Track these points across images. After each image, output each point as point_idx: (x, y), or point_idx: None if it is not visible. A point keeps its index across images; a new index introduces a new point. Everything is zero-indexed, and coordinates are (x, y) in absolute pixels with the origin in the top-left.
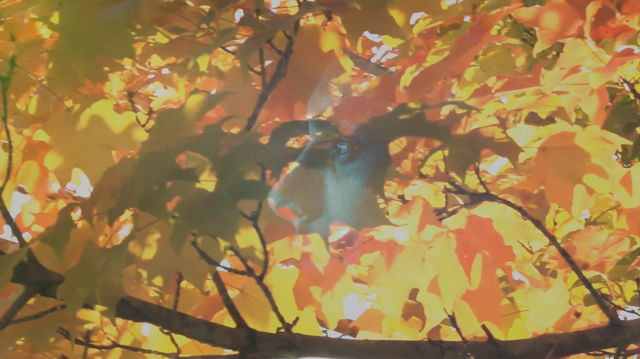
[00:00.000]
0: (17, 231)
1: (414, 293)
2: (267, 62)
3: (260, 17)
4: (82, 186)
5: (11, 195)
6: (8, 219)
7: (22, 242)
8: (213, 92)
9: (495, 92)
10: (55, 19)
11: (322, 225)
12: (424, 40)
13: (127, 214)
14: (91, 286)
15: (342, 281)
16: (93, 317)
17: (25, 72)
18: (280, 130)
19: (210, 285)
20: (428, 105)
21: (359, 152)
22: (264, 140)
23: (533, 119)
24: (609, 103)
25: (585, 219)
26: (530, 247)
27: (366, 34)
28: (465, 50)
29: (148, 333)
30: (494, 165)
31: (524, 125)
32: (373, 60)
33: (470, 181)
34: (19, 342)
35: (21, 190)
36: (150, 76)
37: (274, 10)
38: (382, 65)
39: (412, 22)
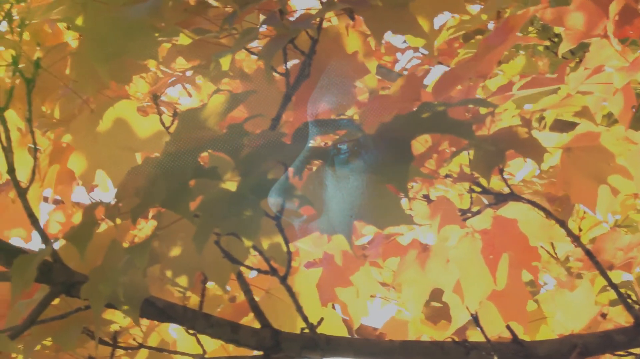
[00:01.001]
0: (42, 232)
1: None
2: (291, 63)
3: (283, 17)
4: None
5: (39, 198)
6: (34, 221)
7: (46, 242)
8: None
9: (519, 89)
10: (79, 20)
11: (345, 224)
12: (448, 45)
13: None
14: (114, 285)
15: (362, 274)
16: (120, 318)
17: (50, 75)
18: (303, 129)
19: (235, 291)
20: (451, 104)
21: (381, 149)
22: (287, 139)
23: (557, 126)
24: (635, 103)
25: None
26: (555, 254)
27: (390, 39)
28: (490, 50)
29: (177, 335)
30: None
31: (548, 132)
32: (398, 66)
33: (495, 183)
34: (46, 342)
35: (46, 199)
36: (174, 78)
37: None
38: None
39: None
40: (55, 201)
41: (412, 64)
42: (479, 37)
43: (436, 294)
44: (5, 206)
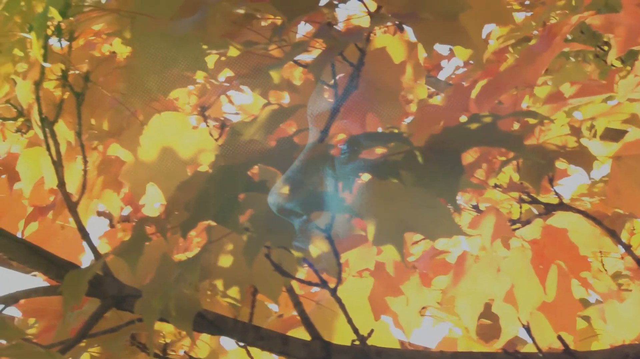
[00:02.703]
0: (92, 246)
1: (492, 317)
2: (339, 75)
3: (332, 29)
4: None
5: (88, 210)
6: (84, 234)
7: (97, 256)
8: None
9: (569, 98)
10: (128, 33)
11: (396, 235)
12: (496, 56)
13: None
14: (166, 300)
15: (412, 283)
16: (170, 329)
17: (99, 88)
18: (352, 142)
19: (285, 303)
20: (500, 115)
21: (431, 162)
22: (336, 152)
23: (608, 135)
24: None
25: None
26: (604, 265)
27: (435, 47)
28: (535, 57)
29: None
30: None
31: (598, 141)
32: (442, 74)
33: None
34: (93, 353)
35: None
36: (222, 90)
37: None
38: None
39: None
40: (103, 214)
41: (458, 72)
42: (524, 44)
43: (486, 311)
44: (54, 232)
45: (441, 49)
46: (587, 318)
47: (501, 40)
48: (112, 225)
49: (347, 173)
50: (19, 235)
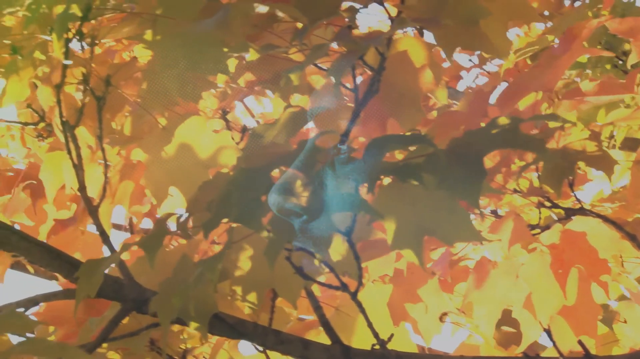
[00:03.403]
0: (111, 248)
1: (513, 323)
2: (359, 78)
3: (353, 33)
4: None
5: (110, 214)
6: (104, 237)
7: (113, 252)
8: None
9: (588, 95)
10: (148, 36)
11: (415, 240)
12: (515, 67)
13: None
14: (184, 298)
15: (430, 288)
16: (190, 335)
17: (120, 92)
18: (374, 144)
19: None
20: (521, 119)
21: (453, 165)
22: (357, 155)
23: (626, 145)
24: None
25: None
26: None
27: (456, 57)
28: (554, 61)
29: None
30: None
31: (618, 151)
32: (461, 84)
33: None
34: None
35: (117, 226)
36: (243, 93)
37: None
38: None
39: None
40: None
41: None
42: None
43: (507, 318)
44: (75, 237)
45: (461, 59)
46: (608, 322)
47: (519, 54)
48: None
49: (368, 176)
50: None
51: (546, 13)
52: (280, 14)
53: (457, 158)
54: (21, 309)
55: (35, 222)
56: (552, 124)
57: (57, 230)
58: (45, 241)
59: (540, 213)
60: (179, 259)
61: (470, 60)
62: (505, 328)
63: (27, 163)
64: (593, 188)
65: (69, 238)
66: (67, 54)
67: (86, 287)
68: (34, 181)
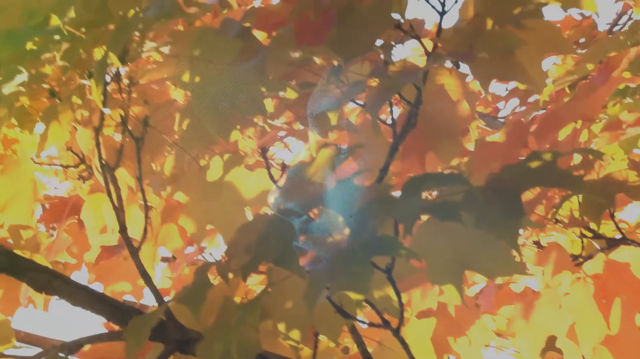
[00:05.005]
0: (155, 292)
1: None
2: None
3: (388, 69)
4: (217, 247)
5: (154, 257)
6: (147, 279)
7: (159, 301)
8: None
9: (627, 126)
10: (186, 77)
11: (456, 275)
12: (554, 96)
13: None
14: (228, 342)
15: (477, 326)
16: None
17: (158, 132)
18: (412, 183)
19: (348, 341)
20: (560, 153)
21: (491, 203)
22: (395, 190)
23: None
24: None
25: None
26: None
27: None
28: (593, 91)
29: None
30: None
31: None
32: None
33: (605, 228)
34: None
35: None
36: (282, 132)
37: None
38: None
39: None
40: (166, 259)
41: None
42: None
43: (552, 346)
44: (117, 264)
45: (497, 89)
46: None
47: (558, 84)
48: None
49: (407, 215)
50: (84, 270)
51: (582, 40)
52: (315, 58)
53: (494, 195)
54: (65, 352)
55: (80, 250)
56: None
57: (104, 256)
58: (91, 268)
59: (582, 243)
60: (221, 301)
61: (506, 89)
62: (551, 353)
63: (72, 194)
64: (635, 209)
65: (111, 264)
66: (106, 100)
67: (135, 344)
68: (75, 219)
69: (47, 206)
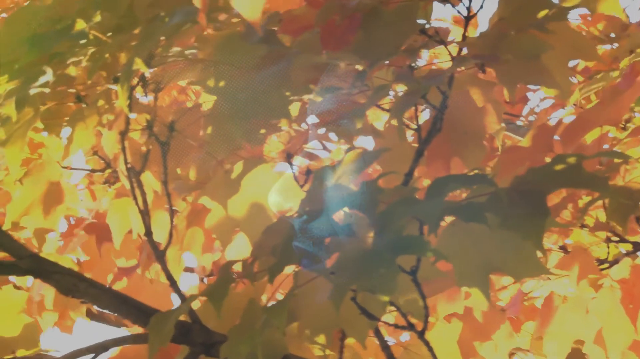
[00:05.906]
0: (179, 293)
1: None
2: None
3: (413, 73)
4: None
5: (179, 261)
6: (172, 283)
7: (183, 300)
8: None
9: None
10: (211, 82)
11: (482, 277)
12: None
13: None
14: (253, 344)
15: (503, 331)
16: None
17: (184, 137)
18: (437, 184)
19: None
20: (585, 155)
21: (516, 204)
22: (421, 195)
23: None
24: None
25: None
26: None
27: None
28: (618, 96)
29: None
30: None
31: None
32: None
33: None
34: None
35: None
36: (308, 136)
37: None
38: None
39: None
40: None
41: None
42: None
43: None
44: (142, 287)
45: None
46: None
47: (584, 92)
48: (201, 279)
49: (432, 216)
50: None
51: (612, 35)
52: (340, 64)
53: (519, 197)
54: (91, 355)
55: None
56: (617, 159)
57: (120, 276)
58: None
59: (608, 247)
60: (246, 304)
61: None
62: None
63: (94, 213)
64: None
65: (136, 287)
66: (132, 104)
67: (157, 340)
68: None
69: (72, 220)
